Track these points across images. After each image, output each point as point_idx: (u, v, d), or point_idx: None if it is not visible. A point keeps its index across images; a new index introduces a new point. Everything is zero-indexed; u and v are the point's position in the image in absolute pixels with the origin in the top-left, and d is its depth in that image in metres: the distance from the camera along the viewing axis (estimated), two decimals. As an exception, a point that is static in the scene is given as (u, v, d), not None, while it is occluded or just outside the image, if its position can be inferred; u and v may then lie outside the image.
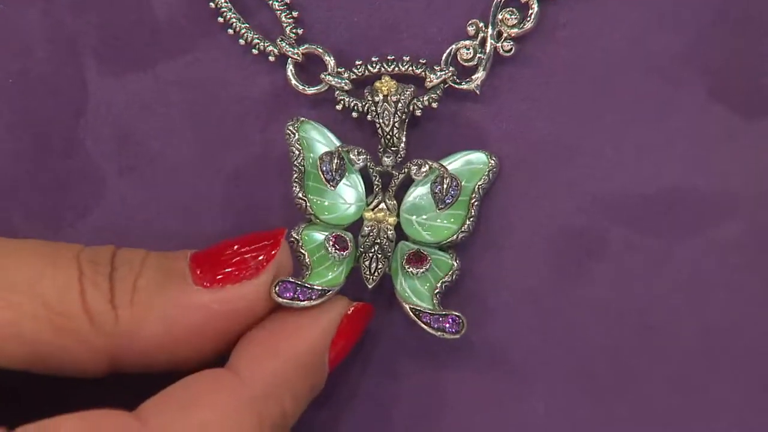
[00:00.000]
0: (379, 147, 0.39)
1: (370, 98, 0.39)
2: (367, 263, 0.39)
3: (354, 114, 0.40)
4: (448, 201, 0.38)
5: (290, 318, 0.37)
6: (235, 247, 0.36)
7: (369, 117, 0.39)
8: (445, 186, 0.38)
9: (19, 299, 0.34)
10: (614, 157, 0.39)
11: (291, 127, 0.39)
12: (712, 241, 0.39)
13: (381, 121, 0.39)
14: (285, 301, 0.37)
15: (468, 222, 0.38)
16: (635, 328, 0.39)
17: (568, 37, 0.39)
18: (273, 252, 0.36)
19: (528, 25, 0.39)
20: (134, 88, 0.41)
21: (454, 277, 0.38)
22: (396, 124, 0.39)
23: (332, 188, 0.38)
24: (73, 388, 0.37)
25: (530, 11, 0.39)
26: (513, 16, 0.39)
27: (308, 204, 0.39)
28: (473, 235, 0.39)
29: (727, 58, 0.39)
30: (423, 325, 0.37)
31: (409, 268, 0.38)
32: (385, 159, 0.39)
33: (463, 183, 0.38)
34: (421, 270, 0.38)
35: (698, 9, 0.39)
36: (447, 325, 0.37)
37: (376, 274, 0.38)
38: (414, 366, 0.40)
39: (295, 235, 0.38)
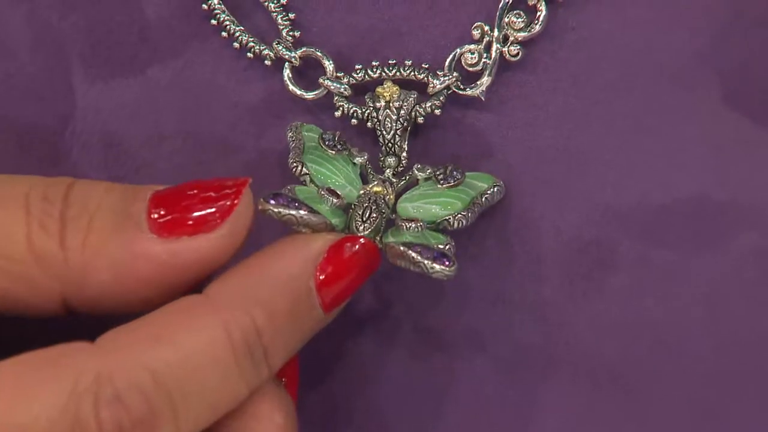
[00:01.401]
0: (380, 155, 0.39)
1: (371, 104, 0.39)
2: (359, 212, 0.37)
3: (354, 121, 0.39)
4: (450, 181, 0.38)
5: (271, 246, 0.35)
6: (194, 193, 0.35)
7: (369, 124, 0.39)
8: (447, 170, 0.38)
9: None
10: (626, 166, 0.39)
11: (292, 126, 0.39)
12: (729, 254, 0.38)
13: (382, 128, 0.38)
14: (271, 206, 0.35)
15: (467, 213, 0.37)
16: (649, 344, 0.39)
17: (576, 41, 0.39)
18: (234, 202, 0.35)
19: (536, 28, 0.38)
20: (123, 94, 0.41)
21: (448, 251, 0.37)
22: (398, 132, 0.38)
23: (333, 153, 0.38)
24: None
25: (538, 14, 0.38)
26: (520, 20, 0.38)
27: (304, 167, 0.38)
28: (476, 246, 0.39)
29: (742, 62, 0.38)
30: (414, 254, 0.35)
31: (402, 222, 0.37)
32: (389, 160, 0.39)
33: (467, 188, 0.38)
34: (414, 225, 0.37)
35: (713, 10, 0.38)
36: (439, 255, 0.36)
37: (368, 222, 0.37)
38: (417, 373, 0.40)
39: (288, 187, 0.37)
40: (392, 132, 0.38)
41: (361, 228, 0.37)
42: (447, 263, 0.35)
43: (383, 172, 0.39)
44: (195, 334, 0.33)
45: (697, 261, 0.38)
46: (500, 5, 0.38)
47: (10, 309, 0.35)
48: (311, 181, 0.38)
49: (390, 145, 0.39)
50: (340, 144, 0.38)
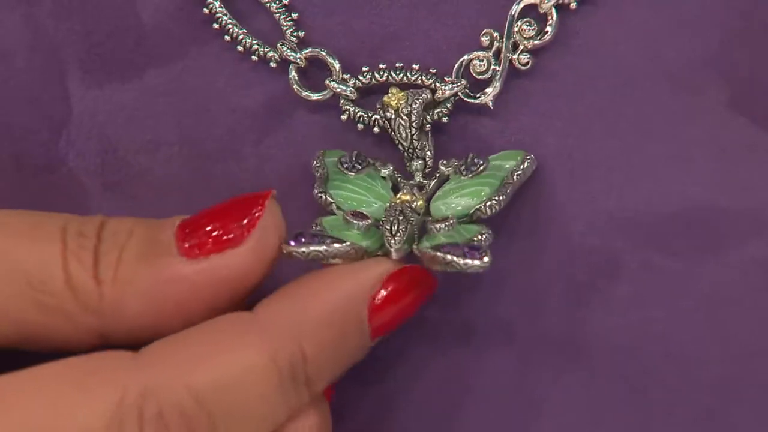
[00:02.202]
0: (405, 161, 0.39)
1: (382, 114, 0.38)
2: (388, 227, 0.36)
3: (360, 125, 0.39)
4: (473, 169, 0.37)
5: (325, 271, 0.35)
6: (219, 212, 0.35)
7: (376, 129, 0.39)
8: (469, 159, 0.38)
9: (2, 277, 0.34)
10: (630, 173, 0.38)
11: (318, 155, 0.38)
12: (735, 262, 0.38)
13: (398, 135, 0.38)
14: (294, 248, 0.35)
15: (499, 197, 0.37)
16: (654, 355, 0.38)
17: (581, 46, 0.38)
18: (257, 215, 0.35)
19: (547, 36, 0.38)
20: (120, 99, 0.40)
21: (485, 241, 0.36)
22: (414, 137, 0.38)
23: (353, 174, 0.38)
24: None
25: (549, 22, 0.38)
26: (530, 27, 0.38)
27: (328, 196, 0.37)
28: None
29: (749, 67, 0.38)
30: (445, 255, 0.35)
31: (431, 225, 0.36)
32: (414, 164, 0.38)
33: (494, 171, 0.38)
34: (445, 225, 0.36)
35: (719, 14, 0.38)
36: (469, 250, 0.35)
37: (398, 235, 0.36)
38: (439, 352, 0.39)
39: (316, 221, 0.37)
40: (408, 138, 0.38)
41: (393, 242, 0.36)
42: (478, 256, 0.34)
43: (413, 177, 0.38)
44: (241, 356, 0.33)
45: (702, 269, 0.38)
46: (510, 13, 0.38)
47: (47, 345, 0.34)
48: (338, 208, 0.37)
49: (411, 150, 0.38)
50: (358, 163, 0.38)
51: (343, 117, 0.39)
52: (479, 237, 0.36)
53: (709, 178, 0.38)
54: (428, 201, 0.38)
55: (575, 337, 0.39)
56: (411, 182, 0.38)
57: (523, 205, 0.39)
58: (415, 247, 0.36)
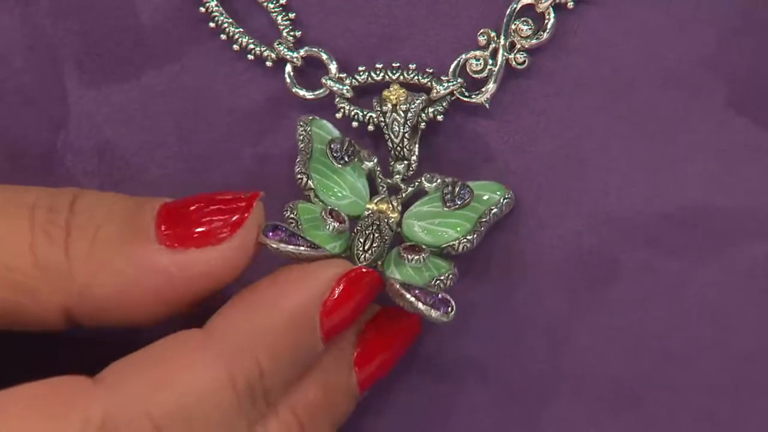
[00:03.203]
0: (390, 160, 0.38)
1: (378, 108, 0.38)
2: (361, 240, 0.37)
3: (354, 123, 0.39)
4: (458, 202, 0.37)
5: (277, 276, 0.35)
6: (205, 205, 0.35)
7: (370, 127, 0.39)
8: (456, 189, 0.37)
9: None
10: (629, 173, 0.38)
11: (302, 121, 0.38)
12: (735, 263, 0.38)
13: (390, 132, 0.38)
14: (270, 241, 0.34)
15: (473, 236, 0.37)
16: (654, 356, 0.38)
17: (579, 46, 0.38)
18: (245, 215, 0.34)
19: (544, 36, 0.38)
20: (117, 99, 0.40)
21: (449, 282, 0.36)
22: (406, 135, 0.38)
23: (340, 166, 0.37)
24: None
25: (546, 22, 0.38)
26: (527, 27, 0.38)
27: (310, 180, 0.37)
28: (477, 257, 0.38)
29: (748, 67, 0.38)
30: (412, 298, 0.35)
31: (404, 253, 0.36)
32: (398, 166, 0.38)
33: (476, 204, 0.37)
34: (417, 258, 0.36)
35: (719, 13, 0.38)
36: (437, 301, 0.35)
37: (369, 252, 0.36)
38: (417, 391, 0.39)
39: (290, 205, 0.37)
40: (400, 136, 0.38)
41: (362, 258, 0.36)
42: (444, 310, 0.35)
43: (392, 177, 0.38)
44: (199, 378, 0.32)
45: (701, 270, 0.38)
46: (507, 12, 0.38)
47: (11, 322, 0.34)
48: (315, 195, 0.37)
49: (399, 149, 0.38)
50: (348, 156, 0.38)
51: (338, 115, 0.39)
52: (446, 276, 0.36)
53: (707, 178, 0.38)
54: (403, 208, 0.38)
55: (574, 342, 0.38)
56: (388, 181, 0.38)
57: (520, 205, 0.39)
58: (380, 264, 0.37)
